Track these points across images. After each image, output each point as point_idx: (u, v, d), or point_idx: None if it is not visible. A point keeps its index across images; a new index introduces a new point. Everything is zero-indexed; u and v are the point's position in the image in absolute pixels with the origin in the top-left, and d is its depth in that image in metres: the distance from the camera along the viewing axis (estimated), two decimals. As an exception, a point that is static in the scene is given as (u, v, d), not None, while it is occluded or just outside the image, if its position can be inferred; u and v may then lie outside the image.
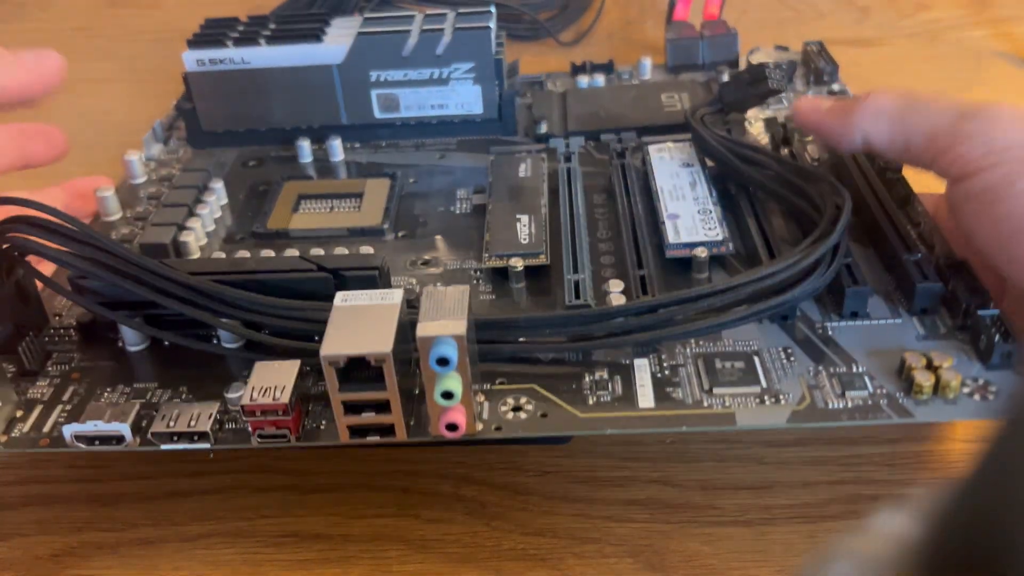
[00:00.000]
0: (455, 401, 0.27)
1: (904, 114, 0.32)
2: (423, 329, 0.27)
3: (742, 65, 0.50)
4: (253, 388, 0.28)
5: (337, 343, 0.27)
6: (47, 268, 0.33)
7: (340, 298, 0.29)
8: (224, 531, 0.33)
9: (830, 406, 0.29)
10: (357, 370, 0.27)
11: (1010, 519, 0.13)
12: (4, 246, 0.31)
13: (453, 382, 0.27)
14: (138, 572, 0.31)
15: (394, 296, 0.29)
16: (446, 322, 0.27)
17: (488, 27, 0.43)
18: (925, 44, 0.54)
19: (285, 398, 0.28)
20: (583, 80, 0.49)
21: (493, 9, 0.45)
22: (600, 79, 0.49)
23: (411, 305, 0.29)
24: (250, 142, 0.46)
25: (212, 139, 0.46)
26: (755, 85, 0.40)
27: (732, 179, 0.37)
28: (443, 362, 0.27)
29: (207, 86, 0.44)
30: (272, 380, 0.29)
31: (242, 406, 0.28)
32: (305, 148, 0.44)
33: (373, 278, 0.32)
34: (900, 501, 0.27)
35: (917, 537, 0.15)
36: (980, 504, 0.14)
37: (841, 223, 0.31)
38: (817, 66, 0.47)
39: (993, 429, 0.14)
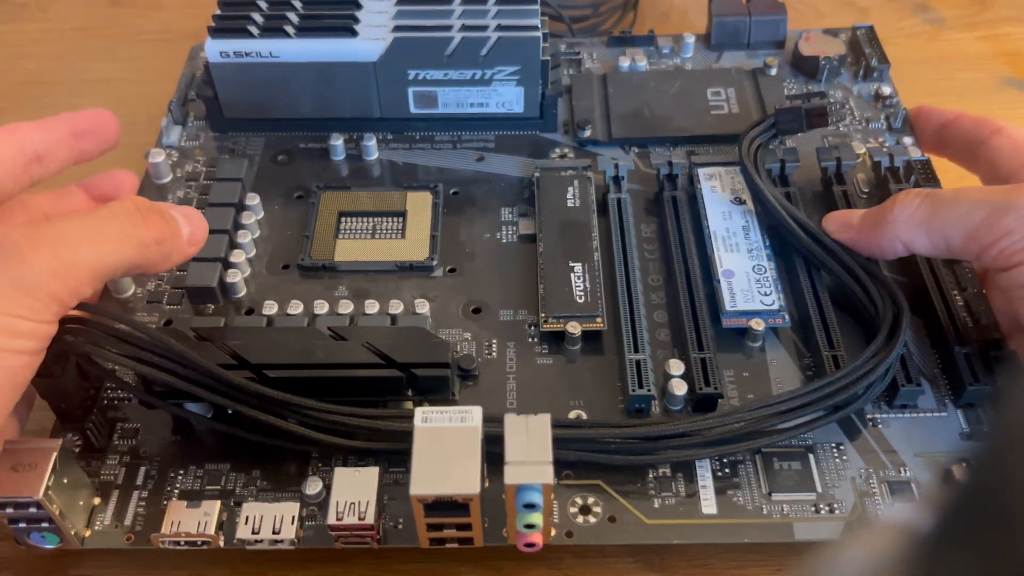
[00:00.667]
0: (536, 530, 0.29)
1: (936, 219, 0.32)
2: (511, 475, 0.27)
3: (788, 47, 0.48)
4: (337, 504, 0.29)
5: (425, 482, 0.28)
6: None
7: (420, 417, 0.29)
8: None
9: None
10: (443, 499, 0.28)
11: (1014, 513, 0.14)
12: (65, 348, 0.30)
13: (537, 517, 0.28)
14: (139, 571, 0.33)
15: (473, 416, 0.29)
16: (534, 468, 0.27)
17: (536, 28, 0.40)
18: (925, 44, 0.53)
19: (370, 518, 0.29)
20: (624, 63, 0.46)
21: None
22: (641, 62, 0.46)
23: (489, 420, 0.30)
24: (276, 129, 0.44)
25: (235, 124, 0.44)
26: (813, 118, 0.39)
27: (784, 235, 0.37)
28: (530, 506, 0.28)
29: (231, 77, 0.42)
30: (354, 493, 0.30)
31: (329, 525, 0.29)
32: (338, 147, 0.42)
33: (445, 379, 0.32)
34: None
35: (922, 532, 0.16)
36: (986, 496, 0.14)
37: (901, 339, 0.32)
38: (868, 62, 0.45)
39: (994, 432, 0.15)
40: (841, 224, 0.36)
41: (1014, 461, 0.14)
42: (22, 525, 0.29)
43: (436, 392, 0.33)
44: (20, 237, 0.28)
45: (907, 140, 0.42)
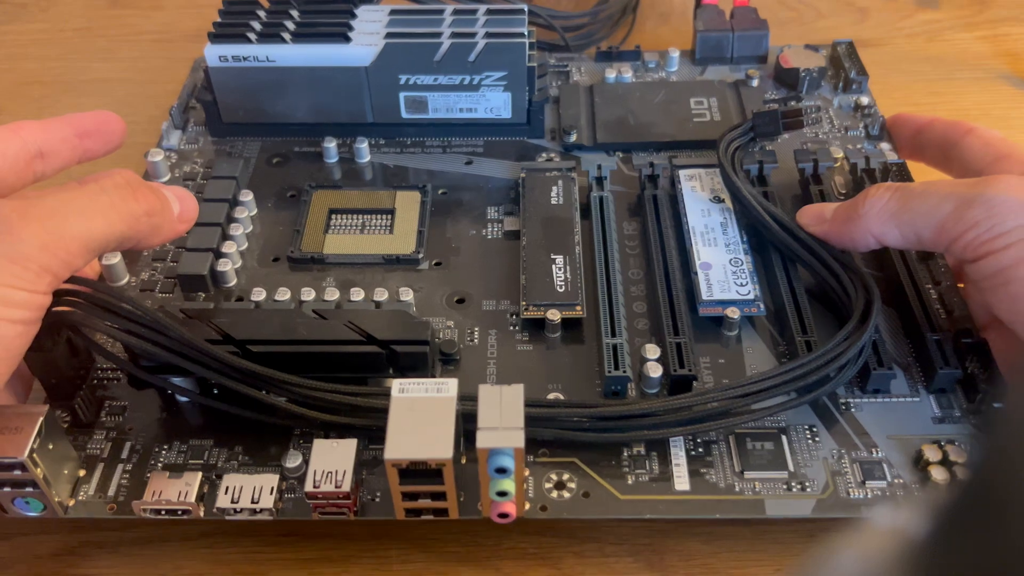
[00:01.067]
0: (509, 498, 0.29)
1: (906, 212, 0.33)
2: (483, 440, 0.28)
3: (771, 60, 0.49)
4: (315, 472, 0.30)
5: (399, 446, 0.28)
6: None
7: (397, 388, 0.30)
8: (226, 530, 0.34)
9: (852, 496, 0.31)
10: (417, 466, 0.29)
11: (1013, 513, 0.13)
12: (55, 320, 0.31)
13: (509, 484, 0.29)
14: (139, 571, 0.33)
15: (449, 388, 0.30)
16: (505, 433, 0.28)
17: (523, 35, 0.42)
18: (925, 44, 0.55)
19: (347, 486, 0.30)
20: (610, 75, 0.48)
21: (526, 9, 0.44)
22: (628, 74, 0.48)
23: (465, 398, 0.30)
24: (272, 134, 0.45)
25: (233, 129, 0.45)
26: (789, 120, 0.40)
27: (761, 232, 0.38)
28: (502, 471, 0.28)
29: (229, 81, 0.43)
30: (332, 463, 0.30)
31: (306, 493, 0.30)
32: (331, 149, 0.44)
33: (424, 355, 0.33)
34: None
35: (921, 532, 0.16)
36: (985, 498, 0.14)
37: (872, 322, 0.33)
38: (847, 75, 0.47)
39: (995, 431, 0.15)
40: (814, 217, 0.37)
41: (1013, 463, 0.14)
42: (6, 489, 0.30)
43: (416, 370, 0.33)
44: (11, 212, 0.29)
45: (884, 146, 0.44)
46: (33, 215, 0.29)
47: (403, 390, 0.30)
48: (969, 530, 0.15)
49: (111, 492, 0.32)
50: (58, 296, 0.31)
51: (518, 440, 0.28)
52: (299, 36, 0.42)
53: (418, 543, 0.33)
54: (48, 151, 0.36)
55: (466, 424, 0.30)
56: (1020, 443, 0.14)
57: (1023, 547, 0.13)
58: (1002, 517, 0.14)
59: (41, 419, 0.29)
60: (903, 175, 0.41)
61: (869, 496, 0.31)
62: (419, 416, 0.29)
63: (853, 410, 0.34)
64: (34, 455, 0.29)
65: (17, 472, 0.29)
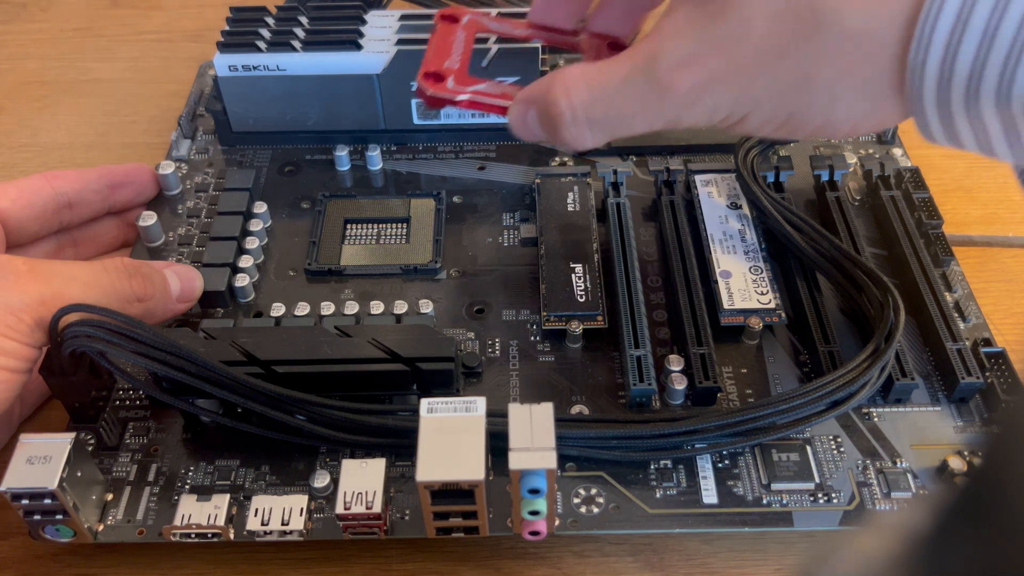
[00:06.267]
0: (542, 517, 0.29)
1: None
2: (516, 461, 0.28)
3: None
4: (345, 494, 0.30)
5: (431, 468, 0.28)
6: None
7: (426, 407, 0.30)
8: None
9: (878, 507, 0.31)
10: (449, 487, 0.29)
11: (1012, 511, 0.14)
12: (73, 349, 0.31)
13: (542, 503, 0.29)
14: (140, 570, 0.33)
15: (478, 406, 0.30)
16: (538, 454, 0.28)
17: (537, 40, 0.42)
18: None
19: (378, 507, 0.30)
20: (621, 76, 0.48)
21: (537, 12, 0.43)
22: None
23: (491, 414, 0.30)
24: (283, 142, 0.45)
25: (243, 138, 0.45)
26: (807, 124, 0.40)
27: (781, 240, 0.38)
28: (535, 491, 0.28)
29: (239, 91, 0.43)
30: (362, 483, 0.30)
31: (336, 515, 0.30)
32: (343, 157, 0.44)
33: (450, 372, 0.33)
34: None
35: (921, 531, 0.16)
36: (986, 497, 0.14)
37: (896, 339, 0.33)
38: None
39: (996, 431, 0.16)
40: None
41: (1015, 462, 0.14)
42: (37, 517, 0.30)
43: (441, 387, 0.33)
44: (21, 265, 0.31)
45: (896, 151, 0.44)
46: (40, 272, 0.31)
47: (432, 410, 0.30)
48: (969, 530, 0.15)
49: (139, 516, 0.32)
50: (81, 324, 0.30)
51: (550, 461, 0.28)
52: (309, 44, 0.42)
53: (418, 543, 0.33)
54: (78, 202, 0.38)
55: (492, 441, 0.30)
56: (1019, 445, 0.15)
57: (1022, 547, 0.13)
58: (1001, 517, 0.14)
59: (69, 448, 0.29)
60: (917, 180, 0.41)
61: (895, 508, 0.31)
62: (449, 436, 0.29)
63: (876, 420, 0.34)
64: (64, 484, 0.29)
65: (48, 501, 0.29)
